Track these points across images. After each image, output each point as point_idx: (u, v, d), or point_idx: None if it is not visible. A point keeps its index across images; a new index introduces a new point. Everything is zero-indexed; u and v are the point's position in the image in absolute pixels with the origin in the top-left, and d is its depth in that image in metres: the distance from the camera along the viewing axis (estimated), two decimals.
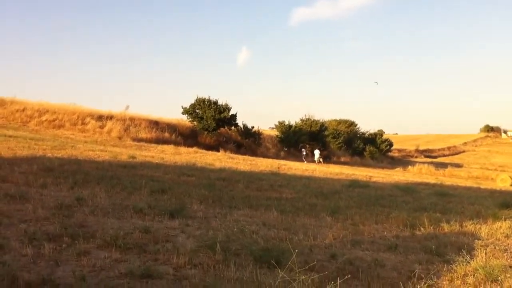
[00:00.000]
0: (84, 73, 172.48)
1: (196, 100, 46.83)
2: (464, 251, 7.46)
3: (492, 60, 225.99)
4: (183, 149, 33.73)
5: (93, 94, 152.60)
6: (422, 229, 10.09)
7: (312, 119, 57.34)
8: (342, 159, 57.74)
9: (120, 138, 36.01)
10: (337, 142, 61.24)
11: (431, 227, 10.28)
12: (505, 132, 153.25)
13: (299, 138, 53.53)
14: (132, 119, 41.34)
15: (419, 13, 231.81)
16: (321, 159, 48.19)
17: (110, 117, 39.80)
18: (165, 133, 41.93)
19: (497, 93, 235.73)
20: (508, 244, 9.22)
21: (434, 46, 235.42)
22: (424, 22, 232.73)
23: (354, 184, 20.90)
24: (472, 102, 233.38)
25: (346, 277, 5.53)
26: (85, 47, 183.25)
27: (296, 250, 6.06)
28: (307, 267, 5.85)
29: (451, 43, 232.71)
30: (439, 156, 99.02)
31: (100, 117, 39.38)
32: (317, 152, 49.00)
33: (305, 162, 45.18)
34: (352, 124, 71.93)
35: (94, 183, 12.47)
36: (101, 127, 37.69)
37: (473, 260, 7.18)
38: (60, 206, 9.06)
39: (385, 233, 9.59)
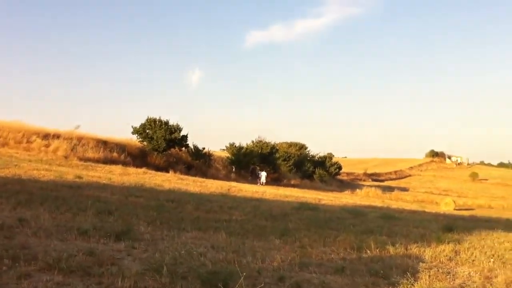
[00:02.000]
0: (31, 90, 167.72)
1: (147, 120, 46.31)
2: (408, 273, 7.59)
3: (438, 86, 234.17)
4: (131, 170, 33.20)
5: (39, 112, 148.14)
6: (368, 251, 10.22)
7: (263, 141, 57.65)
8: (292, 181, 58.15)
9: (66, 157, 35.11)
10: (287, 165, 61.67)
11: (377, 250, 10.42)
12: (449, 157, 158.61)
13: (250, 160, 53.70)
14: (79, 138, 40.37)
15: (366, 40, 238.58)
16: (263, 181, 48.85)
17: (57, 136, 38.76)
18: (114, 153, 41.17)
19: (442, 119, 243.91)
20: (451, 267, 9.46)
21: (382, 72, 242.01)
22: (370, 48, 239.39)
23: (304, 206, 21.09)
24: (419, 128, 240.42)
25: None
26: (31, 63, 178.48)
27: (244, 273, 6.04)
28: None
29: (398, 69, 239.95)
30: (386, 180, 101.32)
31: (46, 136, 38.30)
32: (263, 174, 49.57)
33: (259, 184, 45.70)
34: (302, 147, 72.78)
35: (38, 204, 12.09)
36: (47, 146, 36.63)
37: (417, 283, 7.32)
38: (1, 227, 8.73)
39: (332, 255, 9.66)
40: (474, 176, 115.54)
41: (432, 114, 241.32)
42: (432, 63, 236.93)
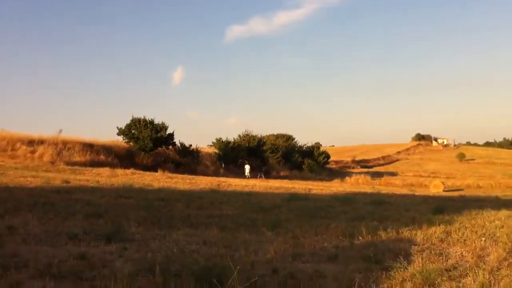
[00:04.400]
0: (12, 97, 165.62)
1: (132, 120, 45.97)
2: (401, 257, 7.61)
3: (422, 69, 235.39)
4: (119, 171, 33.00)
5: (22, 119, 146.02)
6: (360, 238, 10.25)
7: (250, 135, 57.60)
8: (282, 173, 58.22)
9: (53, 162, 34.77)
10: (275, 157, 61.69)
11: (369, 236, 10.45)
12: (435, 139, 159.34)
13: (238, 154, 53.59)
14: (65, 142, 40.01)
15: (348, 26, 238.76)
16: (262, 175, 48.93)
17: (42, 142, 38.38)
18: (100, 155, 40.86)
19: (426, 102, 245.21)
20: (443, 248, 9.50)
21: (365, 58, 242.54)
22: (352, 36, 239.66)
23: (294, 197, 21.12)
24: (404, 112, 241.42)
25: None
26: (11, 70, 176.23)
27: (238, 267, 6.01)
28: (248, 284, 5.80)
29: (382, 54, 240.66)
30: (375, 166, 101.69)
31: (31, 142, 37.93)
32: (247, 167, 49.49)
33: (248, 177, 45.60)
34: (289, 138, 72.77)
35: (26, 211, 11.96)
36: (33, 152, 36.28)
37: (411, 266, 7.34)
38: None
39: (325, 244, 9.66)
40: (461, 156, 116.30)
41: (417, 98, 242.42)
42: (414, 49, 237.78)
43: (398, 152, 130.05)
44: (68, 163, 35.25)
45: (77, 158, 37.98)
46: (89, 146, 41.58)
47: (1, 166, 28.72)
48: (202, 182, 29.71)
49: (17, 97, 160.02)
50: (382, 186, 47.22)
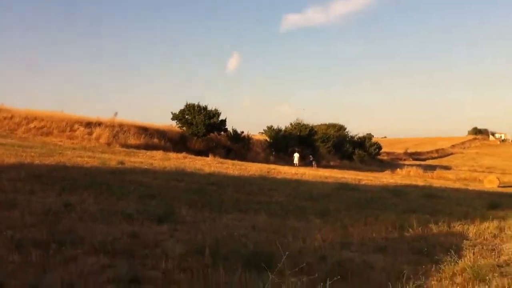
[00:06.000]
0: (72, 79, 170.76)
1: (186, 106, 46.76)
2: (452, 251, 7.47)
3: (479, 63, 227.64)
4: (172, 155, 33.61)
5: (81, 101, 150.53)
6: (410, 230, 10.12)
7: (301, 124, 57.41)
8: (332, 162, 57.81)
9: (109, 144, 35.82)
10: (326, 146, 61.33)
11: (420, 229, 10.30)
12: (493, 134, 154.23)
13: (289, 143, 53.53)
14: (121, 125, 41.12)
15: (406, 18, 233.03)
16: (314, 164, 48.66)
17: (99, 124, 39.56)
18: (154, 139, 41.75)
19: (484, 96, 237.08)
20: (496, 243, 9.28)
21: (422, 50, 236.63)
22: (410, 27, 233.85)
23: (344, 187, 21.01)
24: (460, 105, 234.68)
25: (335, 278, 5.51)
26: (72, 54, 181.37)
27: (287, 253, 6.05)
28: (297, 269, 5.83)
29: (439, 47, 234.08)
30: (428, 159, 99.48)
31: (88, 124, 39.14)
32: (296, 155, 49.04)
33: (296, 165, 45.42)
34: (341, 128, 72.15)
35: (83, 189, 12.37)
36: (90, 133, 37.47)
37: (461, 260, 7.20)
38: (48, 212, 8.98)
39: (374, 234, 9.60)
40: None
41: (474, 90, 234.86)
42: (473, 40, 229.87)
43: (453, 146, 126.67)
44: (123, 145, 36.25)
45: (132, 141, 38.98)
46: (143, 130, 42.56)
47: (59, 146, 29.81)
48: (252, 169, 29.88)
49: (76, 81, 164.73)
50: (435, 180, 46.13)
